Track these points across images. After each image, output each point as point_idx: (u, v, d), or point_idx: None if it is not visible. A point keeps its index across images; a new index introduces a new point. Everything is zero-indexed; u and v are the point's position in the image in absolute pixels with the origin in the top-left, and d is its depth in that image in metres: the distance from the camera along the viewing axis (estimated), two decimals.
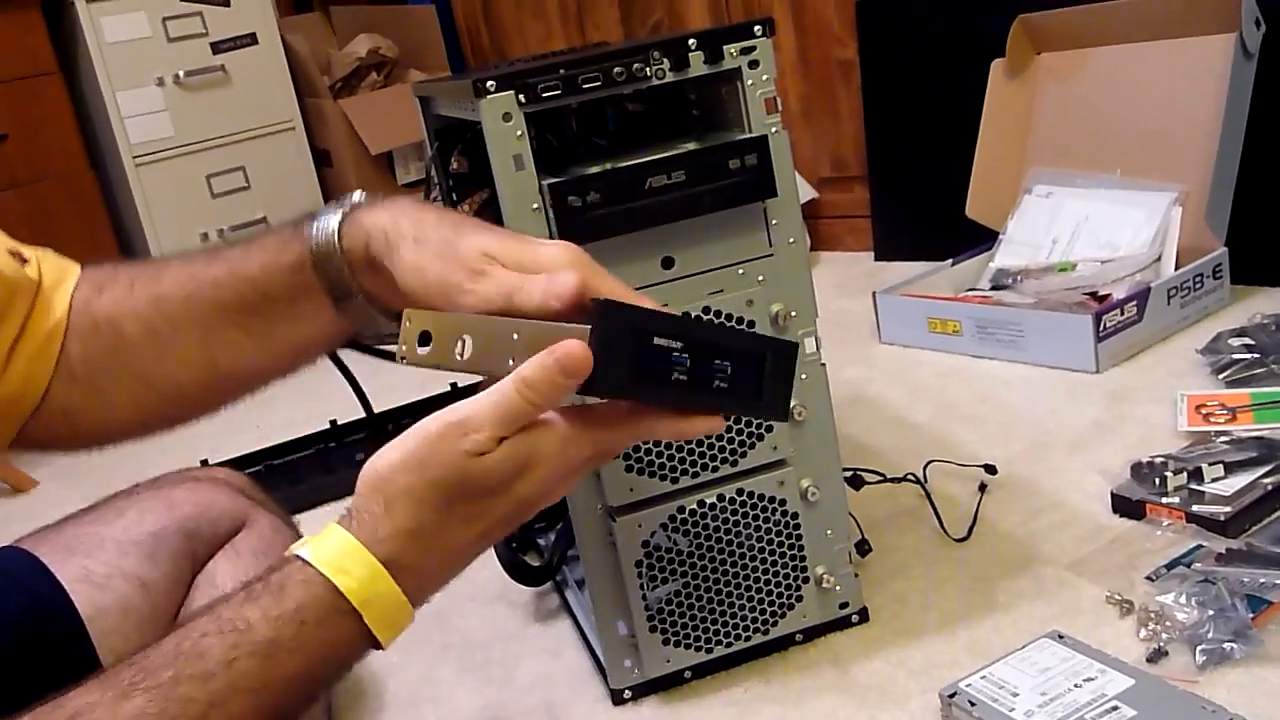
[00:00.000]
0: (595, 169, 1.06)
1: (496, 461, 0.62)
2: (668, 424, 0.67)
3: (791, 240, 1.12)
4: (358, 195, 0.77)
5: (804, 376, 1.15)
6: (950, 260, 2.20)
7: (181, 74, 2.99)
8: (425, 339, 0.68)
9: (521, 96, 1.02)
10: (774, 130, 1.08)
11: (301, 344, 0.78)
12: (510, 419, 0.62)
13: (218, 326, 0.74)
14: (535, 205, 1.05)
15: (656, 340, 0.65)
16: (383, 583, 0.59)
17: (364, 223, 0.74)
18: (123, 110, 2.92)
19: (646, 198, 1.05)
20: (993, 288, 2.10)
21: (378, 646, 0.62)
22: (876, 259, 2.63)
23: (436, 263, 0.69)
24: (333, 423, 2.11)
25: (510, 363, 0.63)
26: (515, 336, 0.63)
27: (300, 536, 0.96)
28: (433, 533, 0.61)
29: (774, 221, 1.11)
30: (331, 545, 0.59)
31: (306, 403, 2.45)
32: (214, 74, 3.05)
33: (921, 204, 2.49)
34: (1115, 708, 0.99)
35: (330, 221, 0.75)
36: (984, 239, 2.20)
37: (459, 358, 0.66)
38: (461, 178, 1.38)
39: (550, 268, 0.67)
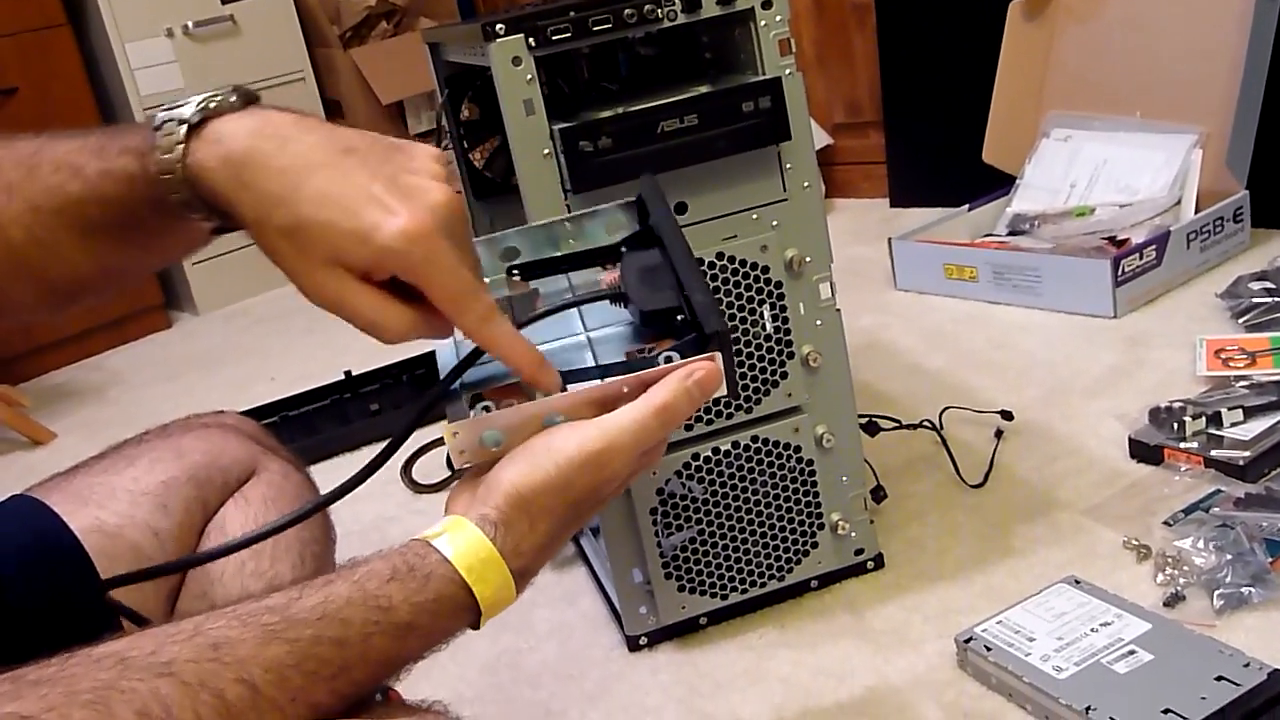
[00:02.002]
0: (607, 114, 1.05)
1: (624, 481, 0.68)
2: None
3: (806, 184, 1.10)
4: (170, 140, 0.63)
5: (819, 323, 1.13)
6: (967, 205, 2.18)
7: (190, 24, 2.97)
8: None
9: (531, 40, 1.01)
10: (788, 72, 1.06)
11: (194, 242, 0.72)
12: (645, 446, 0.66)
13: (95, 238, 0.68)
14: (546, 151, 1.03)
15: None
16: (508, 590, 0.64)
17: (209, 191, 0.63)
18: (132, 62, 2.90)
19: (659, 142, 1.03)
20: (1009, 233, 2.08)
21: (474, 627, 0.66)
22: (892, 205, 2.61)
23: (287, 264, 0.62)
24: (347, 373, 2.11)
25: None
26: (626, 390, 0.67)
27: (312, 482, 0.96)
28: (559, 540, 0.67)
29: (788, 165, 1.09)
30: (475, 552, 0.62)
31: (321, 354, 2.46)
32: (223, 24, 3.02)
33: (938, 149, 2.46)
34: (1132, 651, 0.99)
35: (174, 171, 0.63)
36: (1001, 184, 2.18)
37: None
38: (472, 125, 1.37)
39: (393, 252, 0.60)
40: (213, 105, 0.64)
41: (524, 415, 0.66)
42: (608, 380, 0.67)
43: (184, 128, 0.63)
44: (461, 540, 0.62)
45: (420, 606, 0.60)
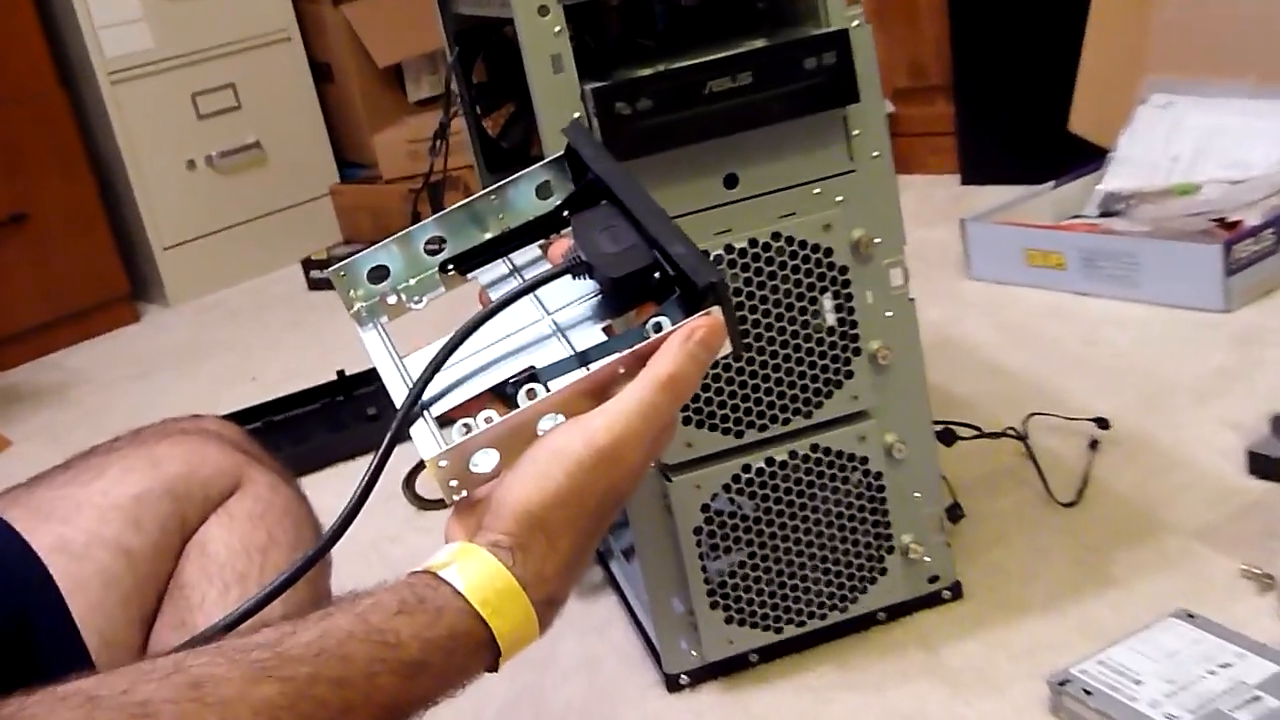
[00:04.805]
0: (647, 72, 1.04)
1: (643, 472, 0.67)
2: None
3: (876, 154, 1.09)
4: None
5: (889, 314, 1.12)
6: (1051, 183, 2.16)
7: None
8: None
9: None
10: (856, 24, 1.05)
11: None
12: (658, 427, 0.65)
13: None
14: (576, 114, 1.02)
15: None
16: (529, 625, 0.63)
17: None
18: (95, 20, 2.91)
19: (707, 104, 1.02)
20: (1101, 214, 2.06)
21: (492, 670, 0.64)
22: (963, 182, 2.60)
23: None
24: (340, 373, 2.11)
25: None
26: (622, 371, 0.66)
27: (303, 495, 0.95)
28: (585, 556, 0.67)
29: (855, 132, 1.08)
30: (490, 583, 0.62)
31: (309, 351, 2.46)
32: None
33: (1016, 117, 2.44)
34: (1257, 698, 0.97)
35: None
36: (1091, 158, 2.16)
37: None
38: (484, 89, 1.36)
39: None
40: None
41: (514, 425, 0.65)
42: (597, 364, 0.66)
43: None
44: (473, 570, 0.62)
45: (432, 643, 0.59)
